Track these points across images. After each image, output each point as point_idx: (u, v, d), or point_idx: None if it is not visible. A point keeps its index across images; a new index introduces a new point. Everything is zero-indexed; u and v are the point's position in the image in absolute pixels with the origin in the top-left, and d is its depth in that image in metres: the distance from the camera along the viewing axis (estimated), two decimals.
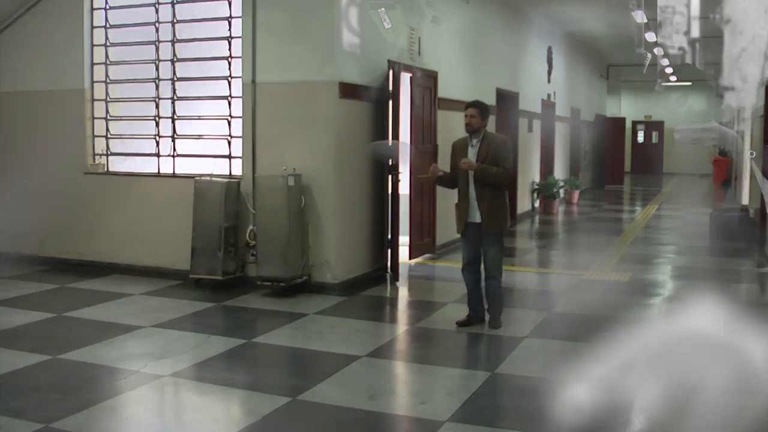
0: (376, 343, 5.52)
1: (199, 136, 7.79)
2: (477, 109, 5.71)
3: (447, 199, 7.08)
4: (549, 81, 15.06)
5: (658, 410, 4.10)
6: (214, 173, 7.46)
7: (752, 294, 7.74)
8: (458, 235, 5.90)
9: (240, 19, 7.31)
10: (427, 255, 8.83)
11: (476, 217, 5.68)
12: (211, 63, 7.65)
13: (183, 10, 7.77)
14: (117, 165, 8.22)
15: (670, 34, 2.42)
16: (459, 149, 5.78)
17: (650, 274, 8.47)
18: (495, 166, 5.58)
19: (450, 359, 5.31)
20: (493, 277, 5.76)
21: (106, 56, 8.17)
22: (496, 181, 5.63)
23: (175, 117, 7.85)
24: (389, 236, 7.69)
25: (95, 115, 8.21)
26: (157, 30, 7.86)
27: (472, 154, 5.67)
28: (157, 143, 7.95)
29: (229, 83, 7.49)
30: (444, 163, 6.12)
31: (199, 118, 7.76)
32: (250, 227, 7.19)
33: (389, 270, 7.72)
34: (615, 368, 4.49)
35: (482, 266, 5.84)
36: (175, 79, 7.82)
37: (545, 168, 14.91)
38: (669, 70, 21.93)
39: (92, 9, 8.16)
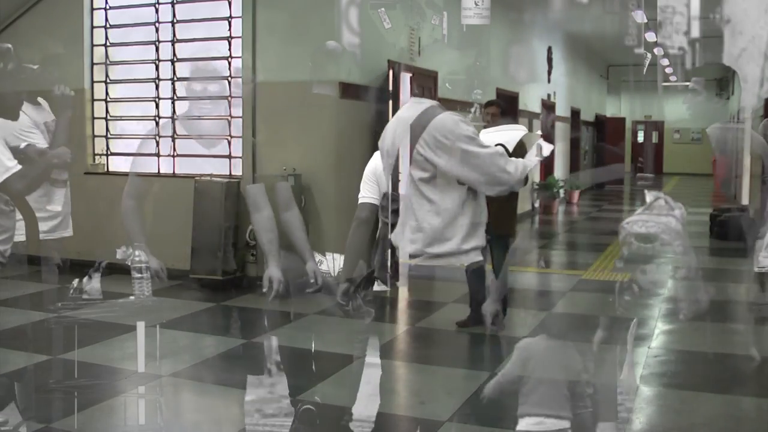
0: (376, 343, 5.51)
1: (200, 136, 7.77)
2: (497, 107, 5.63)
3: None
4: (549, 81, 15.06)
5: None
6: (214, 173, 7.46)
7: (752, 294, 7.73)
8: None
9: (240, 19, 7.31)
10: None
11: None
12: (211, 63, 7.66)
13: (183, 10, 7.77)
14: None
15: (670, 34, 2.41)
16: None
17: (650, 274, 8.45)
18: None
19: (450, 359, 5.31)
20: (499, 279, 5.72)
21: (106, 56, 8.17)
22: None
23: (175, 117, 7.85)
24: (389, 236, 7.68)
25: (95, 115, 8.22)
26: (157, 30, 7.86)
27: None
28: (157, 143, 7.95)
29: (229, 83, 7.48)
30: None
31: (199, 117, 7.75)
32: (250, 227, 7.19)
33: (389, 270, 7.70)
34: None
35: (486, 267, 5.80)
36: (175, 79, 7.82)
37: (545, 168, 14.90)
38: (669, 70, 21.90)
39: (92, 9, 8.16)
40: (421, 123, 3.67)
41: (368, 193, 4.13)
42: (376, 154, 4.10)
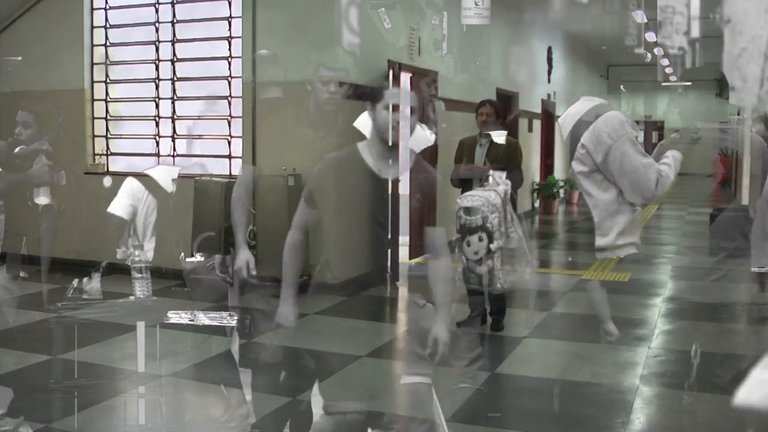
0: (376, 343, 5.51)
1: (200, 136, 7.80)
2: (492, 107, 5.59)
3: (447, 198, 7.06)
4: (549, 81, 15.06)
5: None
6: (214, 173, 7.47)
7: (751, 294, 7.73)
8: (458, 236, 5.87)
9: (240, 19, 7.31)
10: (427, 255, 8.80)
11: None
12: (211, 63, 7.66)
13: (183, 10, 7.77)
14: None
15: (670, 34, 2.42)
16: (467, 148, 5.65)
17: (650, 274, 8.46)
18: (503, 170, 5.43)
19: (450, 359, 5.30)
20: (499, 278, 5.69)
21: (106, 56, 8.17)
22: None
23: (175, 117, 7.85)
24: (389, 236, 7.68)
25: (95, 115, 8.22)
26: (157, 30, 7.86)
27: (480, 154, 5.55)
28: (157, 143, 7.95)
29: (229, 83, 7.49)
30: (444, 163, 6.10)
31: (199, 118, 7.77)
32: (250, 227, 7.18)
33: (389, 270, 7.71)
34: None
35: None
36: (175, 79, 7.82)
37: (545, 168, 14.90)
38: (669, 70, 21.91)
39: (92, 9, 8.16)
40: (589, 119, 3.74)
41: None
42: None
